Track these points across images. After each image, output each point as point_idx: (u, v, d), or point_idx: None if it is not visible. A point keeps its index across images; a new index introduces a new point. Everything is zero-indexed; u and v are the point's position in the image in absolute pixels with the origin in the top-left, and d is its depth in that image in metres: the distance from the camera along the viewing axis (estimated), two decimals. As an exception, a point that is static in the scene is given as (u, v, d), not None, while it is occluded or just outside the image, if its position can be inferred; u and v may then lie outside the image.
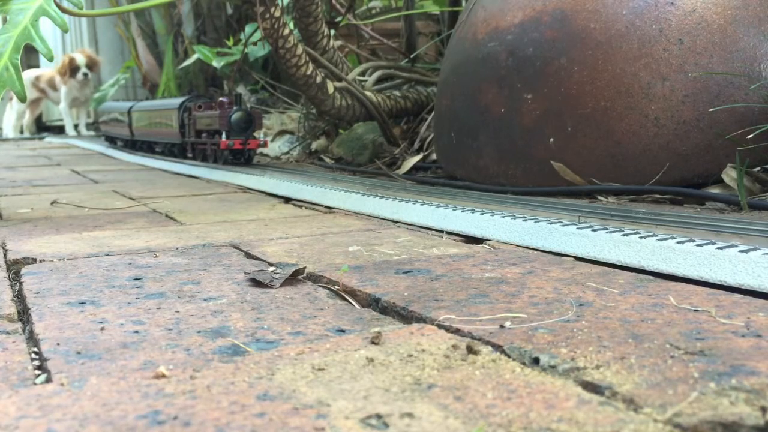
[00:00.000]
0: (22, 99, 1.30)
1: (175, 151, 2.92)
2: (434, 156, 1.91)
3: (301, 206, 1.48)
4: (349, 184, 1.65)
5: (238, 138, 2.32)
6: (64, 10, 1.42)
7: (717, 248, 0.77)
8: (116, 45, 6.67)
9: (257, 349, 0.57)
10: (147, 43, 5.49)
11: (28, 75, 6.13)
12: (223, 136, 2.33)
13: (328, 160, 2.38)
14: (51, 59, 1.34)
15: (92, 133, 6.11)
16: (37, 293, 0.76)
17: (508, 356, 0.53)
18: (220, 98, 2.39)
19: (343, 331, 0.62)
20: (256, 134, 2.43)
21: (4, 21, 1.31)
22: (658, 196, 1.30)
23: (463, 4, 2.30)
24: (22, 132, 6.62)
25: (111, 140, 4.18)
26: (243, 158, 2.40)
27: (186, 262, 0.92)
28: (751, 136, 1.29)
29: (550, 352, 0.53)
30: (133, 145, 3.62)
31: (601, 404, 0.43)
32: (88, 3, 6.31)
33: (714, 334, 0.56)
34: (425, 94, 2.42)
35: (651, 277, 0.77)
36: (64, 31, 1.37)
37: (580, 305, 0.66)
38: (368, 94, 2.30)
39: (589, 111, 1.39)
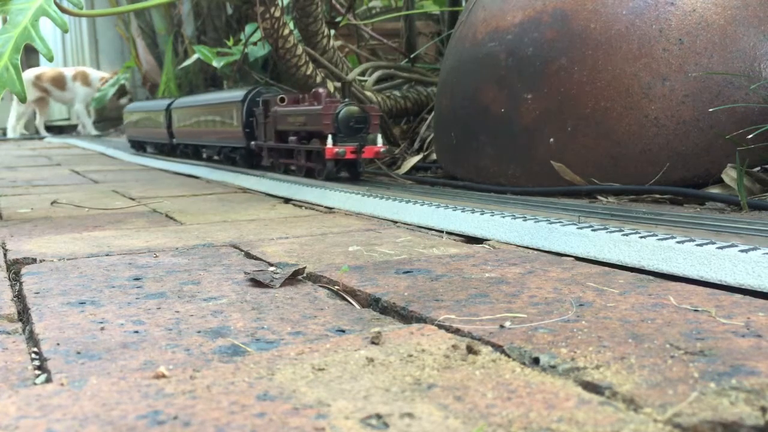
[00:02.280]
0: (22, 99, 1.30)
1: (237, 157, 2.32)
2: (434, 156, 1.91)
3: (301, 206, 1.48)
4: (349, 184, 1.65)
5: (349, 144, 1.68)
6: (64, 10, 1.42)
7: (717, 248, 0.77)
8: (116, 45, 6.68)
9: (257, 349, 0.57)
10: (147, 43, 5.50)
11: (28, 74, 6.09)
12: (329, 141, 1.67)
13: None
14: (51, 59, 1.34)
15: (98, 132, 6.10)
16: (37, 293, 0.76)
17: (508, 356, 0.53)
18: (315, 89, 1.84)
19: (343, 331, 0.62)
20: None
21: (5, 21, 1.31)
22: (658, 196, 1.30)
23: (463, 4, 2.30)
24: (37, 131, 6.56)
25: (139, 146, 3.55)
26: (353, 173, 1.76)
27: (186, 262, 0.92)
28: (751, 136, 1.29)
29: (550, 352, 0.53)
30: (171, 150, 3.02)
31: (601, 404, 0.43)
32: (88, 3, 6.31)
33: (714, 334, 0.56)
34: (425, 94, 2.42)
35: (651, 277, 0.77)
36: (64, 31, 1.37)
37: (580, 305, 0.66)
38: (368, 94, 2.30)
39: (589, 111, 1.39)
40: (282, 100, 1.95)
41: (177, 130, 2.86)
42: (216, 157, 2.54)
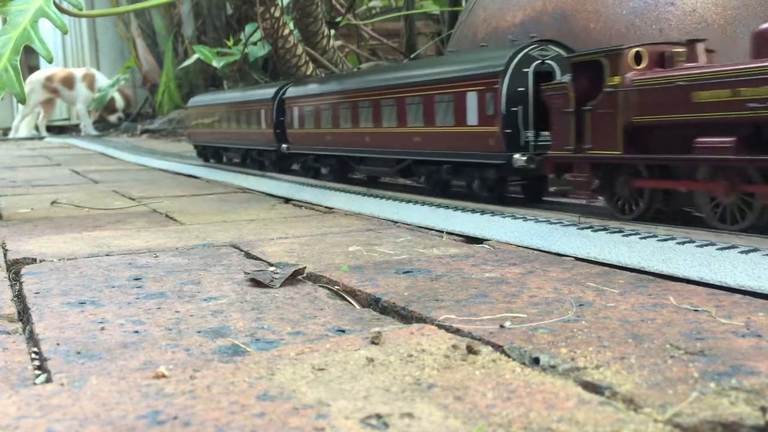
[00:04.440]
0: (22, 101, 1.30)
1: (475, 183, 1.30)
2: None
3: (301, 206, 1.48)
4: (349, 184, 1.65)
5: None
6: (63, 11, 1.42)
7: (717, 249, 0.77)
8: (116, 45, 6.68)
9: (257, 349, 0.57)
10: (147, 43, 5.50)
11: (38, 76, 6.08)
12: None
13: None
14: (50, 61, 1.34)
15: (97, 132, 6.09)
16: (37, 293, 0.76)
17: (508, 356, 0.53)
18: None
19: (343, 331, 0.62)
20: None
21: (4, 22, 1.31)
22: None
23: (463, 4, 2.30)
24: (38, 130, 6.54)
25: (214, 153, 2.58)
26: None
27: (186, 262, 0.92)
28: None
29: (550, 352, 0.53)
30: (279, 162, 2.08)
31: (601, 404, 0.43)
32: (88, 3, 6.30)
33: (714, 334, 0.56)
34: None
35: (651, 277, 0.77)
36: (64, 32, 1.37)
37: (580, 305, 0.66)
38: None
39: (589, 111, 1.38)
40: (638, 58, 0.99)
41: (297, 134, 1.90)
42: (431, 187, 1.42)
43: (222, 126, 2.41)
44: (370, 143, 1.55)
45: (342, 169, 1.76)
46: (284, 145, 1.97)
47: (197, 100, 2.79)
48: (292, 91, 1.95)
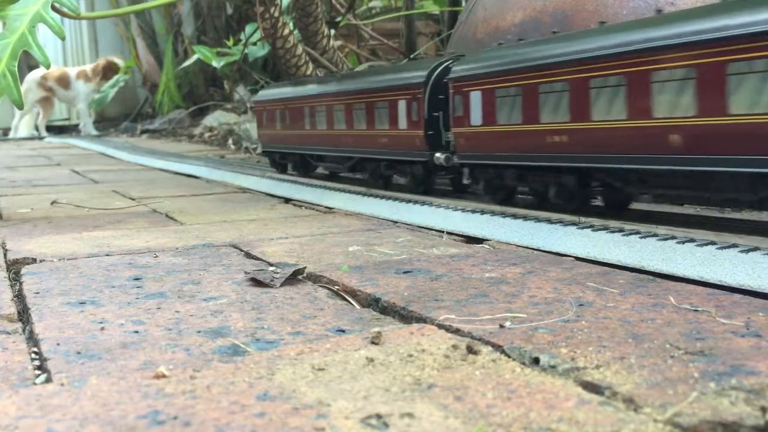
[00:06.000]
0: (20, 107, 1.30)
1: None
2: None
3: (300, 206, 1.48)
4: (350, 184, 1.65)
5: None
6: (63, 14, 1.41)
7: (717, 248, 0.77)
8: (116, 45, 6.67)
9: (257, 349, 0.57)
10: (147, 43, 5.50)
11: (34, 75, 6.07)
12: None
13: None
14: (48, 67, 1.34)
15: (97, 132, 6.08)
16: (37, 293, 0.76)
17: (508, 356, 0.53)
18: None
19: (343, 331, 0.62)
20: None
21: (3, 26, 1.31)
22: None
23: (463, 4, 2.31)
24: (37, 130, 6.53)
25: (301, 163, 1.89)
26: None
27: (186, 262, 0.92)
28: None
29: (550, 352, 0.53)
30: (425, 180, 1.40)
31: (601, 404, 0.43)
32: (88, 3, 6.30)
33: (714, 334, 0.56)
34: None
35: (651, 277, 0.77)
36: (61, 38, 1.37)
37: (580, 305, 0.66)
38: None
39: (589, 111, 1.38)
40: None
41: (478, 135, 1.21)
42: None
43: (318, 125, 1.71)
44: (682, 146, 0.87)
45: (578, 191, 1.09)
46: (439, 154, 1.30)
47: (272, 92, 2.03)
48: (465, 69, 1.23)
